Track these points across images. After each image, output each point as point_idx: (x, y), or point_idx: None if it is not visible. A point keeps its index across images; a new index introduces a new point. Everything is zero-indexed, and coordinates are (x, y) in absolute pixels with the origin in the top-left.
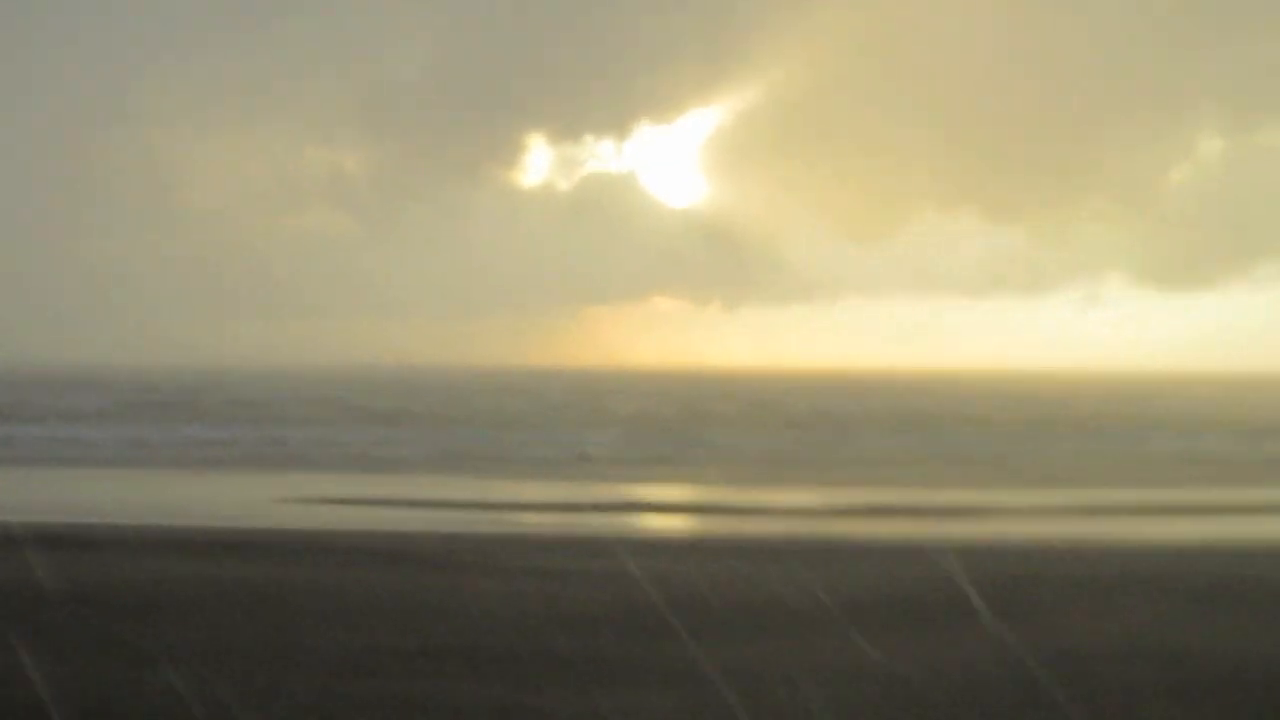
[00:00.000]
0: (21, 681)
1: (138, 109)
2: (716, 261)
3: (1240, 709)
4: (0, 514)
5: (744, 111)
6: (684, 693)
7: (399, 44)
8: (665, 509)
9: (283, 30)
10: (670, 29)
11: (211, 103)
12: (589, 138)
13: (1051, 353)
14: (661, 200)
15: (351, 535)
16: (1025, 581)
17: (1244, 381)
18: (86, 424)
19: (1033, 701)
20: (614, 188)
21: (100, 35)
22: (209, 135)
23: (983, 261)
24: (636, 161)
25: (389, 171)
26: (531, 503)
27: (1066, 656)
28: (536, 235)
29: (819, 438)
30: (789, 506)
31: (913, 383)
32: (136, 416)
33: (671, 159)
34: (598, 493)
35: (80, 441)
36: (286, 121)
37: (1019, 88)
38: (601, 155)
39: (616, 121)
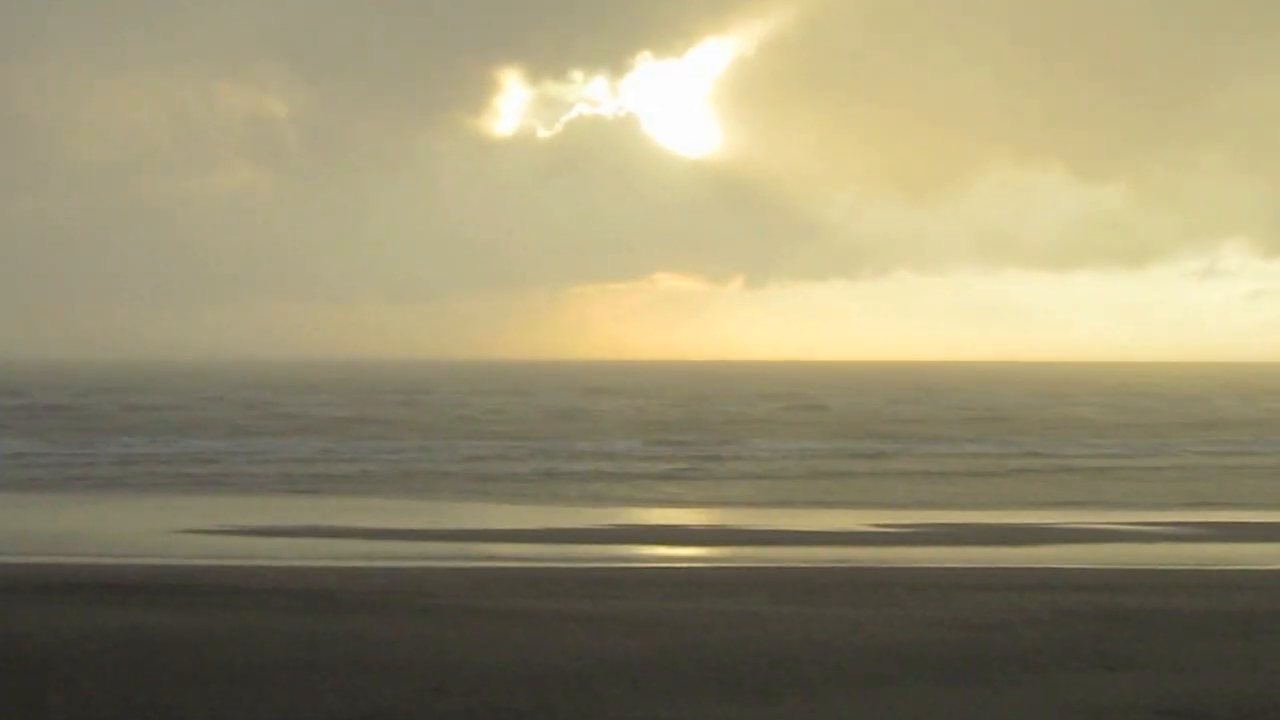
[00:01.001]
0: None
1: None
2: (737, 228)
3: None
4: None
5: (769, 40)
6: None
7: None
8: (673, 537)
9: None
10: None
11: (92, 33)
12: (576, 74)
13: (1158, 337)
14: (667, 151)
15: (272, 573)
16: (1133, 618)
17: None
18: None
19: None
20: (607, 136)
21: None
22: (88, 74)
23: (1070, 227)
24: (636, 103)
25: (324, 119)
26: (502, 531)
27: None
28: (510, 196)
29: (868, 445)
30: (832, 530)
31: (982, 376)
32: (7, 425)
33: (679, 100)
34: (588, 517)
35: None
36: (192, 56)
37: (1111, 9)
38: (592, 96)
39: (610, 54)
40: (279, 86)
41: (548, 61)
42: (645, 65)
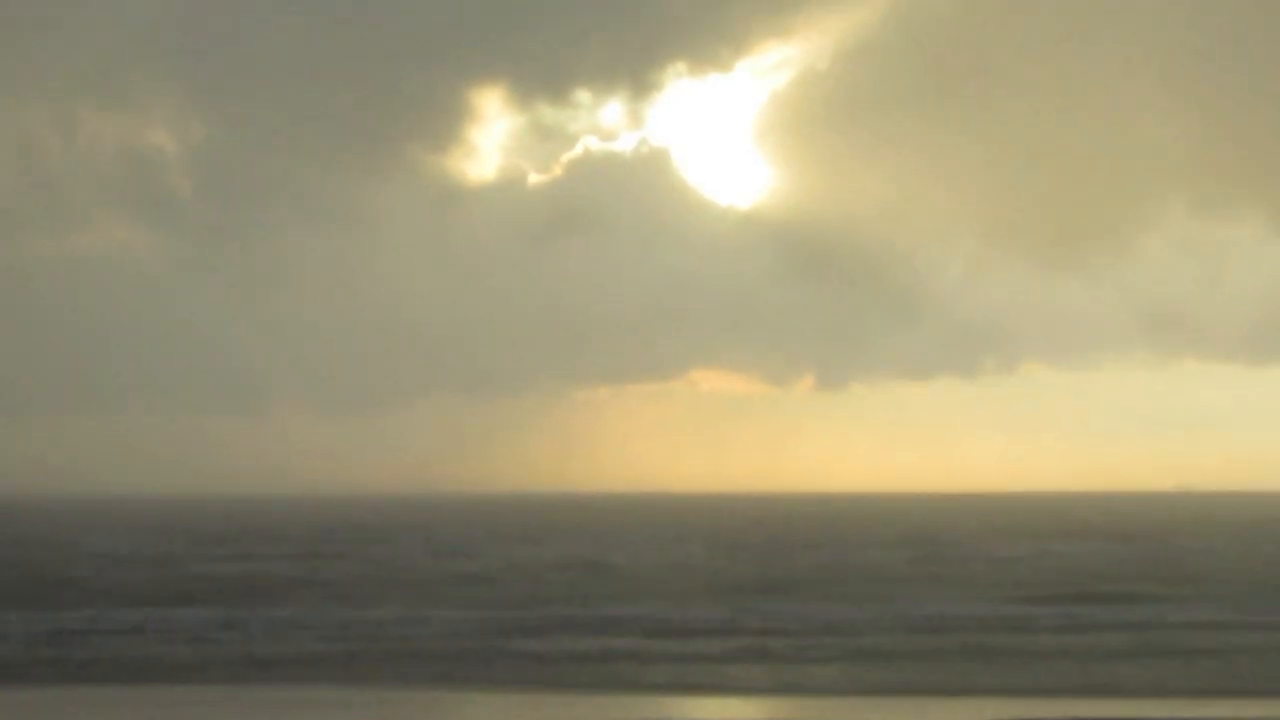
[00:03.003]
0: None
1: None
2: (804, 307)
3: None
4: None
5: (848, 47)
6: None
7: None
8: None
9: None
10: None
11: None
12: (581, 95)
13: None
14: (708, 201)
15: None
16: None
17: None
18: None
19: None
20: (625, 180)
21: None
22: None
23: (1272, 302)
24: (665, 135)
25: (228, 158)
26: None
27: None
28: (490, 264)
29: (1055, 610)
30: None
31: (1159, 510)
32: None
33: (725, 131)
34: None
35: None
36: (44, 73)
37: None
38: (604, 124)
39: (630, 66)
40: (166, 114)
41: (542, 77)
42: (678, 82)
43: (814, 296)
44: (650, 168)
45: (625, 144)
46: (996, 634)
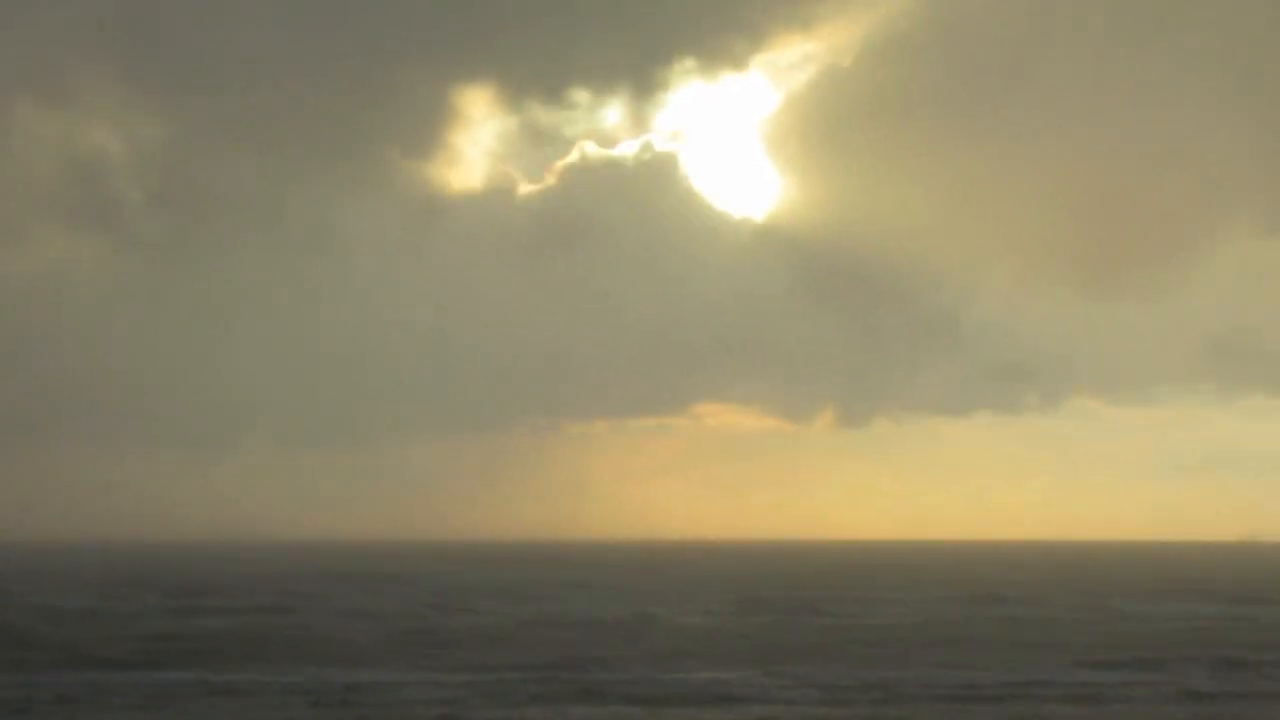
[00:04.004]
0: None
1: None
2: (824, 333)
3: None
4: None
5: (876, 43)
6: None
7: None
8: None
9: None
10: None
11: None
12: (578, 95)
13: None
14: (719, 214)
15: None
16: None
17: None
18: None
19: None
20: (626, 190)
21: None
22: None
23: None
24: (671, 140)
25: (182, 163)
26: None
27: None
28: (473, 283)
29: (1056, 675)
30: None
31: (1223, 561)
32: None
33: (738, 135)
34: None
35: None
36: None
37: None
38: (603, 128)
39: (632, 64)
40: (112, 113)
41: (534, 76)
42: (687, 81)
43: (835, 322)
44: (655, 176)
45: (627, 149)
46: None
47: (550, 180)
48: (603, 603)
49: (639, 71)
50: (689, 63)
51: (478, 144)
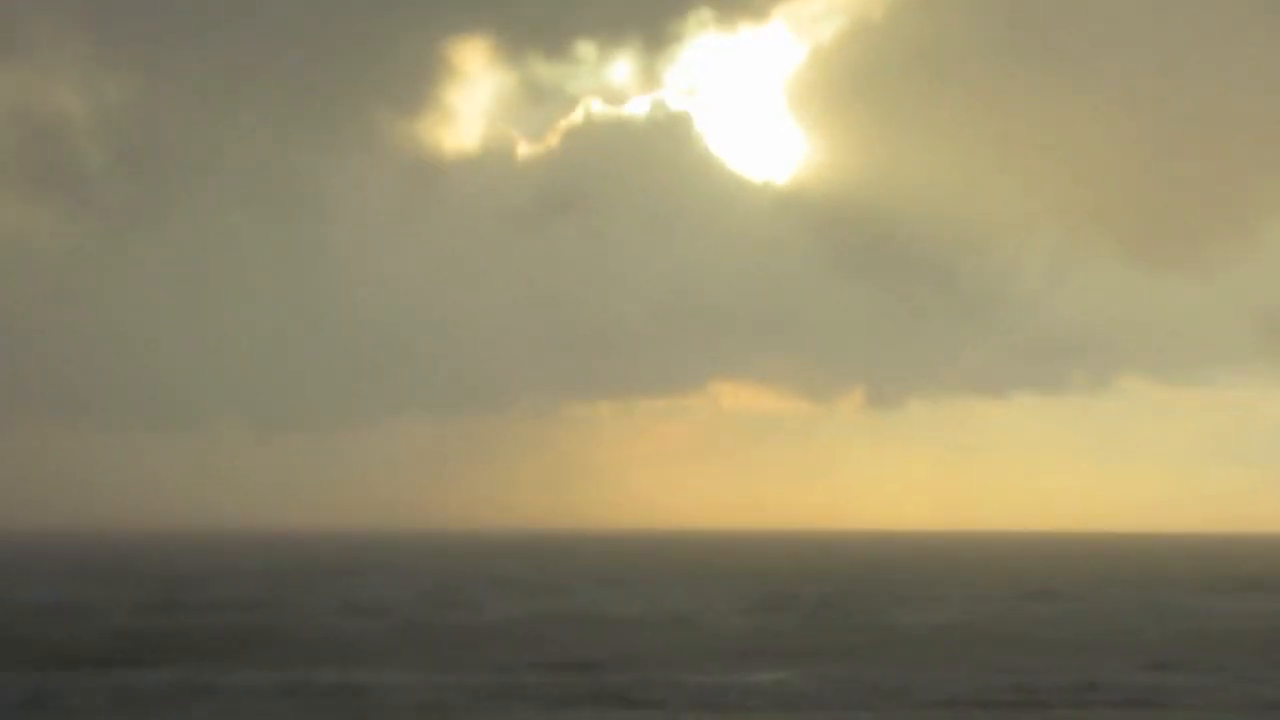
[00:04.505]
0: None
1: None
2: (851, 306)
3: None
4: None
5: (898, 9)
6: None
7: None
8: None
9: None
10: None
11: None
12: (583, 48)
13: None
14: (737, 176)
15: None
16: None
17: None
18: None
19: None
20: (636, 151)
21: None
22: None
23: None
24: (685, 97)
25: (151, 125)
26: None
27: None
28: (469, 252)
29: (1112, 675)
30: None
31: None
32: None
33: (758, 92)
34: None
35: None
36: None
37: None
38: (611, 84)
39: (643, 12)
40: (73, 70)
41: (534, 26)
42: (702, 34)
43: (865, 295)
44: (667, 137)
45: (637, 108)
46: None
47: (553, 141)
48: (617, 598)
49: (649, 24)
50: (704, 14)
51: (474, 102)
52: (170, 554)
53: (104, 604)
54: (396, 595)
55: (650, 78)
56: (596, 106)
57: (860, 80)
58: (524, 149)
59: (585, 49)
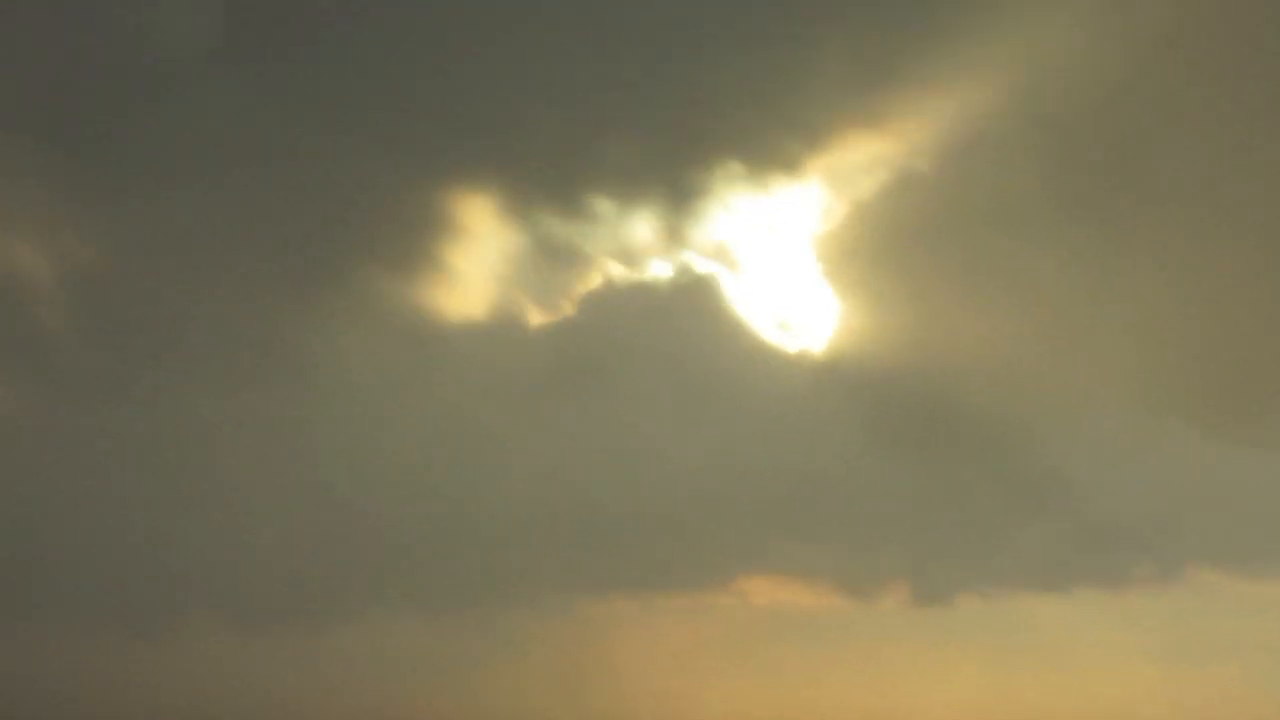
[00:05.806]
0: None
1: None
2: (894, 488)
3: None
4: None
5: (951, 149)
6: None
7: None
8: None
9: None
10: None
11: None
12: (600, 205)
13: None
14: (767, 346)
15: None
16: None
17: None
18: None
19: None
20: (655, 317)
21: None
22: None
23: None
24: (708, 259)
25: (130, 285)
26: None
27: None
28: (475, 431)
29: None
30: None
31: None
32: None
33: (789, 254)
34: None
35: None
36: None
37: None
38: (631, 245)
39: (664, 170)
40: (29, 225)
41: (546, 178)
42: (732, 187)
43: (908, 477)
44: (693, 302)
45: (659, 270)
46: None
47: (568, 309)
48: None
49: (673, 177)
50: (733, 165)
51: (479, 262)
52: None
53: None
54: None
55: (674, 237)
56: (616, 269)
57: (905, 239)
58: (537, 316)
59: (602, 205)
